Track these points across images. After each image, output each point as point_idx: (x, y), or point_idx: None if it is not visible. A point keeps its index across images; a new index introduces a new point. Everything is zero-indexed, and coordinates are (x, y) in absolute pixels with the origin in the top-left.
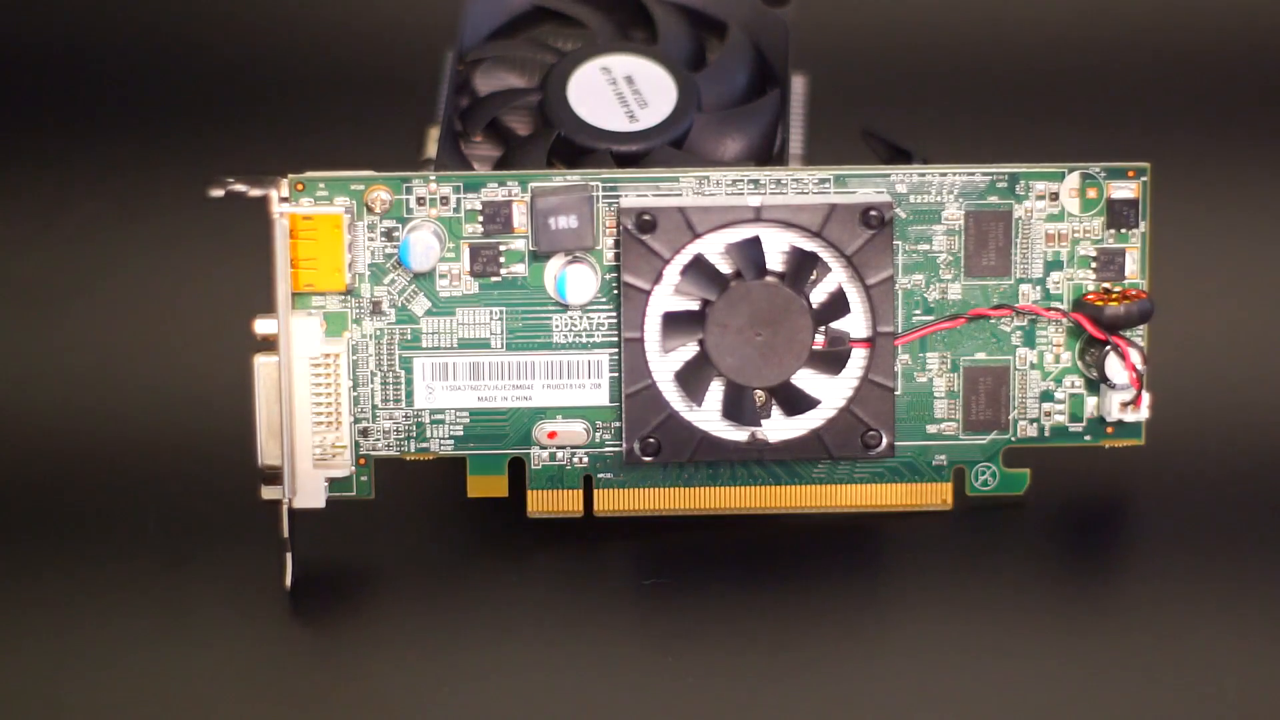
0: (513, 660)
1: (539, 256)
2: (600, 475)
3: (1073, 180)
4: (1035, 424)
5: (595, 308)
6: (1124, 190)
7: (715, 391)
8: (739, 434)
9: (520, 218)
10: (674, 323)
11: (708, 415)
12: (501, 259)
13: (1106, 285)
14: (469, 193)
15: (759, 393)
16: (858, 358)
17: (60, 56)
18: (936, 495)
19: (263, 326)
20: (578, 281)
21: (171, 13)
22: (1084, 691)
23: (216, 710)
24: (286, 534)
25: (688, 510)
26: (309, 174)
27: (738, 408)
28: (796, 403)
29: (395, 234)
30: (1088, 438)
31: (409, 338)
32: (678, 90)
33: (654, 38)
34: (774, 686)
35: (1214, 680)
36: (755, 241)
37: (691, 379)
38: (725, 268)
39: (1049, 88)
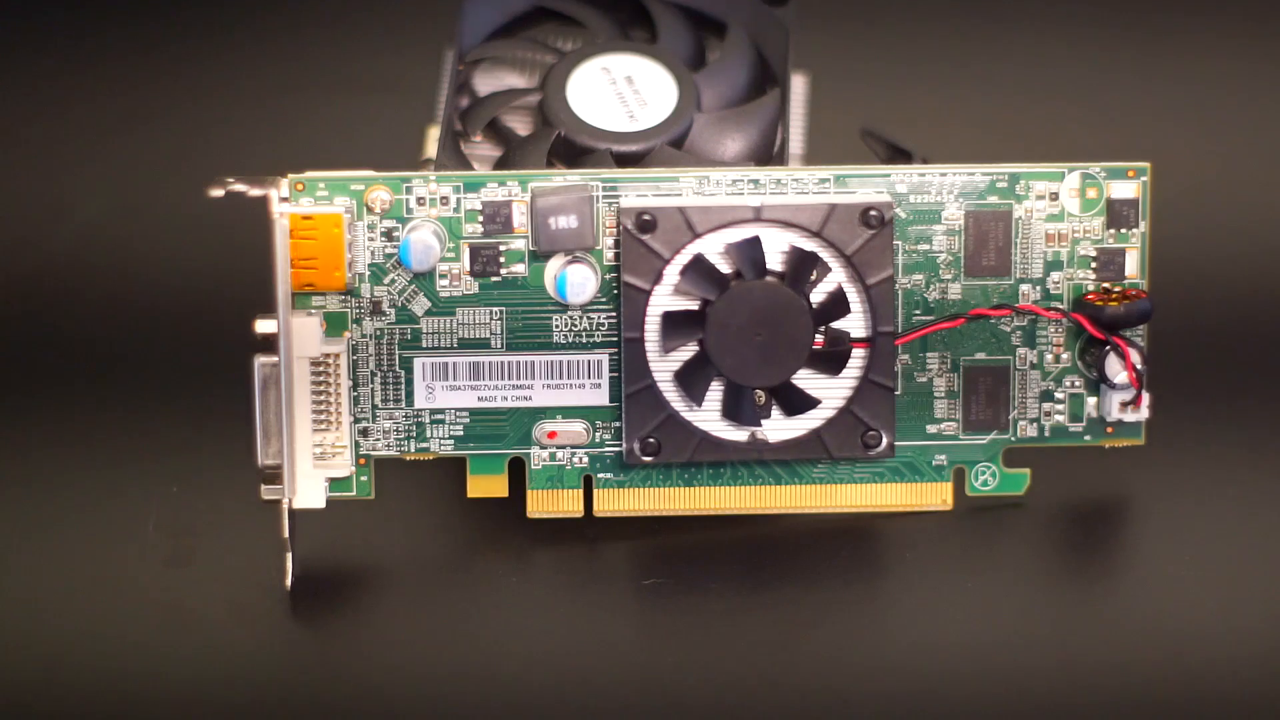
0: (512, 660)
1: (539, 256)
2: (600, 475)
3: (1073, 180)
4: (1035, 424)
5: (595, 308)
6: (1124, 190)
7: (715, 391)
8: (739, 434)
9: (520, 218)
10: (674, 323)
11: (708, 415)
12: (501, 259)
13: (1106, 285)
14: (469, 193)
15: (759, 393)
16: (858, 358)
17: (60, 56)
18: (936, 495)
19: (263, 326)
20: (578, 281)
21: (171, 14)
22: (1084, 691)
23: (217, 710)
24: (286, 534)
25: (688, 510)
26: (309, 174)
27: (738, 408)
28: (796, 403)
29: (395, 234)
30: (1088, 438)
31: (409, 338)
32: (678, 90)
33: (654, 38)
34: (773, 686)
35: (1215, 679)
36: (755, 241)
37: (691, 379)
38: (725, 268)
39: (1049, 88)
